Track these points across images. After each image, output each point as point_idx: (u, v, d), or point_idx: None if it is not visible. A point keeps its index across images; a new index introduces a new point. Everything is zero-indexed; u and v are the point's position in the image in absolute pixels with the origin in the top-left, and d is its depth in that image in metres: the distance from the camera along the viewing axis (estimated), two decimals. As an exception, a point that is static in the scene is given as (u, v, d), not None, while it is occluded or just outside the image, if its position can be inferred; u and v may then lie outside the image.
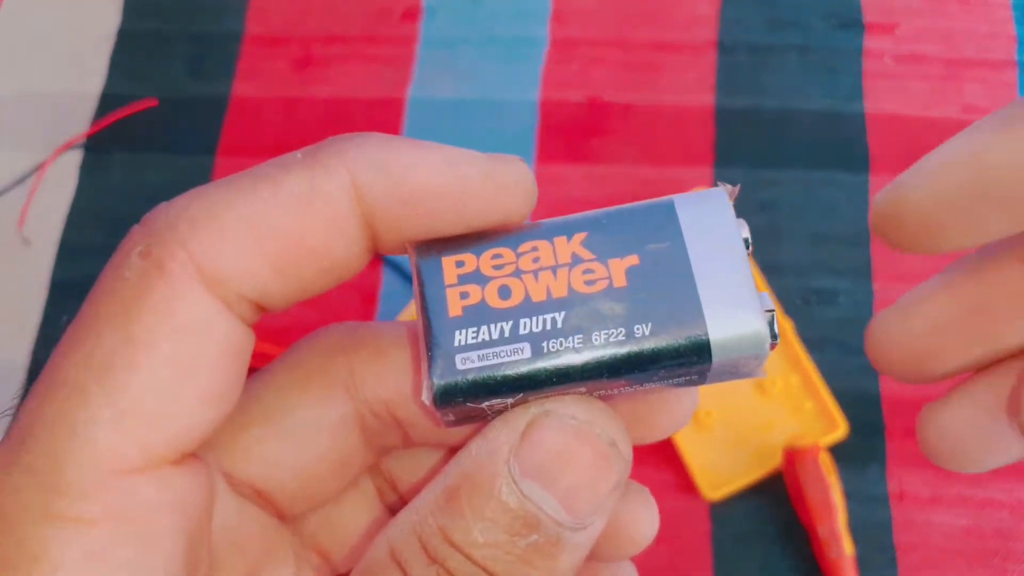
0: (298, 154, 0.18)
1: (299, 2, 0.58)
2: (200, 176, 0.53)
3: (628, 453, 0.19)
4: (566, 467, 0.18)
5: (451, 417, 0.19)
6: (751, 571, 0.44)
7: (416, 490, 0.21)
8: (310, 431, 0.21)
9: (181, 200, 0.18)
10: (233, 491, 0.21)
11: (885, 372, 0.21)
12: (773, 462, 0.44)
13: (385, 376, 0.21)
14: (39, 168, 0.54)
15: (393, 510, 0.23)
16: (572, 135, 0.53)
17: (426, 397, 0.18)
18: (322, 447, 0.21)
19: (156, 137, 0.55)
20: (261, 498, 0.21)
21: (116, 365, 0.17)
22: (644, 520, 0.21)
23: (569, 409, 0.18)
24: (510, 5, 0.57)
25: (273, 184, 0.18)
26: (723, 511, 0.44)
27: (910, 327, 0.21)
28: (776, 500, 0.44)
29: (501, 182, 0.19)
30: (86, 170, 0.54)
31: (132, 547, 0.17)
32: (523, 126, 0.54)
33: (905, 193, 0.19)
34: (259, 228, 0.18)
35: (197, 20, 0.58)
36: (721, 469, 0.44)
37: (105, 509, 0.17)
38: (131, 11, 0.58)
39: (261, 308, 0.19)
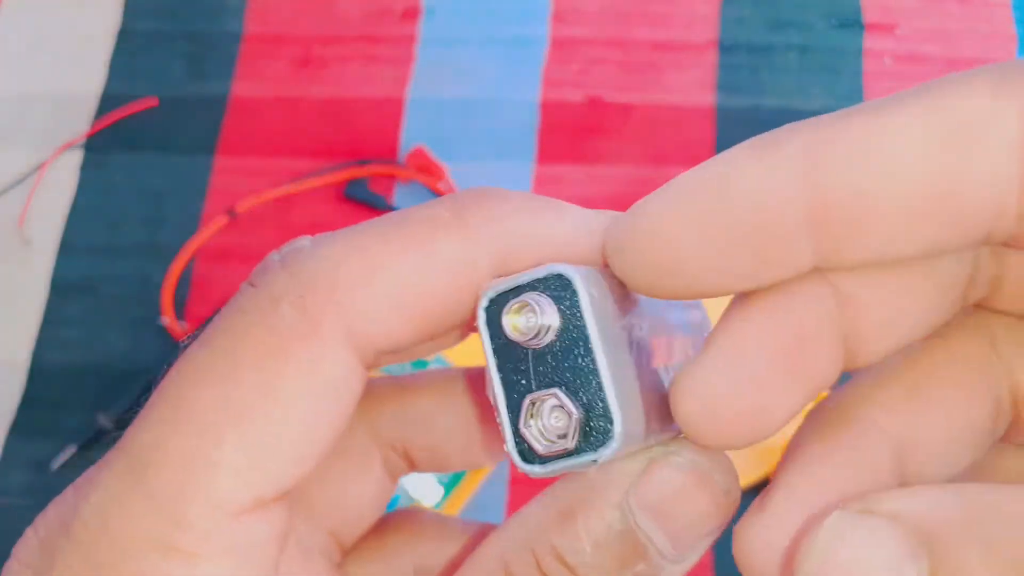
0: (444, 212, 0.19)
1: (299, 2, 0.58)
2: (200, 176, 0.53)
3: (738, 501, 0.20)
4: (682, 508, 0.19)
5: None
6: (751, 571, 0.44)
7: (430, 449, 0.22)
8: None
9: (336, 250, 0.18)
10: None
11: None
12: (773, 462, 0.44)
13: (406, 422, 0.22)
14: (39, 168, 0.54)
15: (395, 472, 0.24)
16: (572, 135, 0.53)
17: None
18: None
19: (156, 137, 0.55)
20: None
21: (254, 414, 0.17)
22: None
23: (694, 454, 0.19)
24: (510, 5, 0.57)
25: (426, 249, 0.18)
26: (723, 511, 0.44)
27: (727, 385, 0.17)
28: (776, 500, 0.44)
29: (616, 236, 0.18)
30: (86, 170, 0.54)
31: None
32: (523, 126, 0.54)
33: (644, 220, 0.17)
34: (411, 295, 0.18)
35: (197, 20, 0.58)
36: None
37: (222, 547, 0.17)
38: (131, 11, 0.58)
39: (386, 356, 0.19)
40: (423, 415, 0.23)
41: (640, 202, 0.17)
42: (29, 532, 0.19)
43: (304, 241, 0.19)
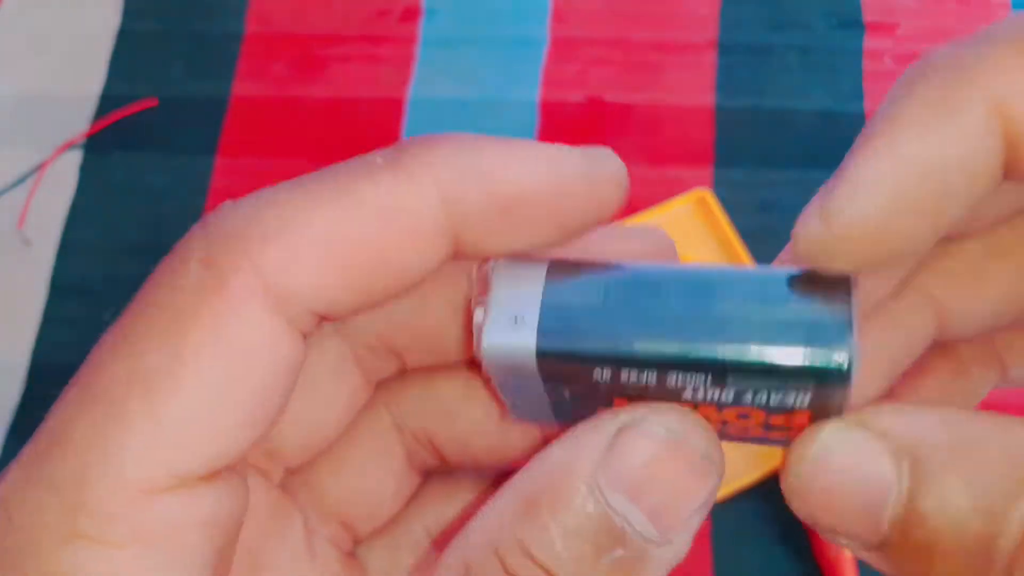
0: (378, 158, 0.17)
1: (299, 2, 0.58)
2: (200, 176, 0.53)
3: (722, 468, 0.18)
4: (656, 481, 0.17)
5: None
6: (751, 571, 0.44)
7: (456, 441, 0.21)
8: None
9: (251, 203, 0.17)
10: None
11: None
12: (773, 462, 0.44)
13: (428, 409, 0.21)
14: (39, 168, 0.54)
15: (418, 465, 0.22)
16: (572, 135, 0.53)
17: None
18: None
19: (156, 137, 0.55)
20: (270, 458, 0.20)
21: (159, 381, 0.16)
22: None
23: (661, 419, 0.17)
24: (510, 5, 0.57)
25: (354, 196, 0.17)
26: (723, 511, 0.44)
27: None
28: (776, 500, 0.44)
29: (599, 179, 0.18)
30: (86, 170, 0.54)
31: (161, 569, 0.16)
32: (523, 126, 0.54)
33: (849, 211, 0.17)
34: (336, 244, 0.17)
35: (197, 20, 0.58)
36: (721, 469, 0.44)
37: (132, 531, 0.16)
38: (131, 11, 0.58)
39: (323, 318, 0.18)
40: (448, 404, 0.21)
41: (834, 197, 0.17)
42: None
43: (228, 202, 0.17)
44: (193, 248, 0.17)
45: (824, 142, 0.51)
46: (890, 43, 0.54)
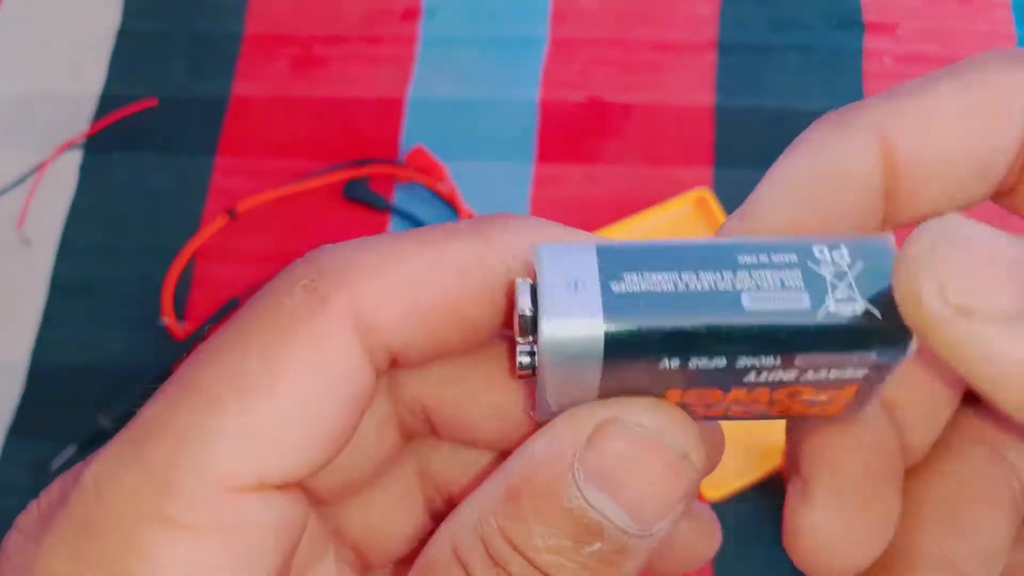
0: (462, 224, 0.19)
1: (299, 2, 0.58)
2: (200, 176, 0.53)
3: (700, 463, 0.18)
4: (632, 476, 0.17)
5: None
6: (751, 571, 0.44)
7: (468, 492, 0.21)
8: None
9: (351, 245, 0.19)
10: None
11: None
12: (773, 462, 0.44)
13: (426, 381, 0.21)
14: (39, 168, 0.54)
15: (436, 514, 0.23)
16: (572, 135, 0.53)
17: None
18: (368, 442, 0.21)
19: (156, 137, 0.55)
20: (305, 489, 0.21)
21: (256, 385, 0.17)
22: (707, 537, 0.22)
23: (637, 416, 0.18)
24: (510, 5, 0.57)
25: (440, 249, 0.18)
26: (723, 511, 0.44)
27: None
28: (776, 500, 0.44)
29: None
30: (86, 170, 0.54)
31: (234, 560, 0.17)
32: (523, 126, 0.54)
33: (760, 216, 0.19)
34: (421, 288, 0.18)
35: (197, 20, 0.58)
36: (721, 469, 0.44)
37: (213, 520, 0.17)
38: (131, 11, 0.58)
39: (395, 363, 0.19)
40: (474, 466, 0.22)
41: (750, 201, 0.20)
42: (32, 503, 0.19)
43: (327, 245, 0.19)
44: (297, 275, 0.18)
45: (824, 142, 0.51)
46: (890, 43, 0.54)
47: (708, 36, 0.55)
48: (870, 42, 0.54)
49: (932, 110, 0.19)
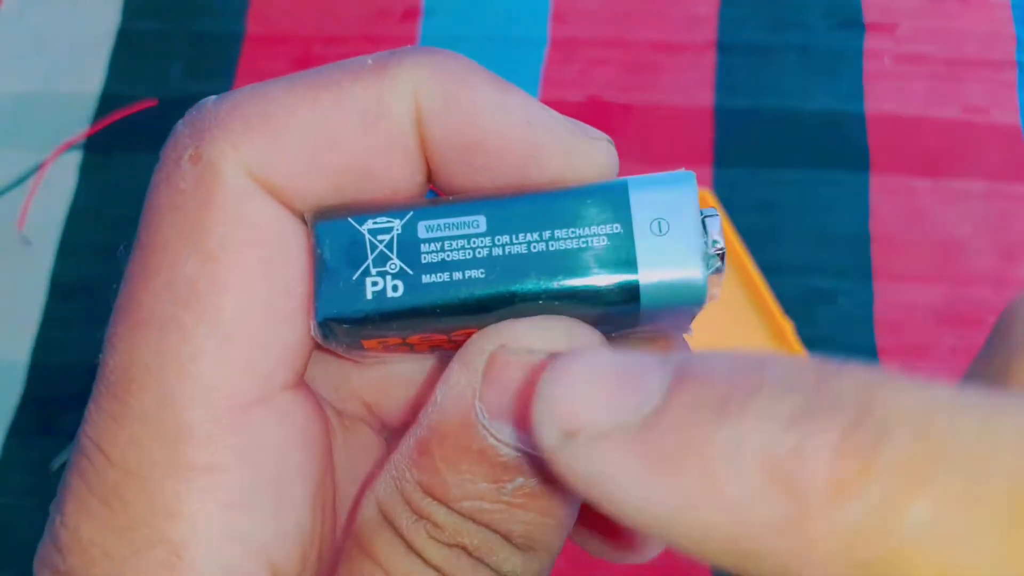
0: (368, 60, 0.17)
1: (299, 2, 0.58)
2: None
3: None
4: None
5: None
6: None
7: None
8: None
9: (233, 95, 0.17)
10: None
11: None
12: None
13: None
14: (39, 168, 0.54)
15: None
16: (572, 135, 0.53)
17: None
18: None
19: (156, 137, 0.54)
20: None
21: (203, 289, 0.15)
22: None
23: (525, 341, 0.16)
24: (510, 5, 0.57)
25: (337, 93, 0.16)
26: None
27: None
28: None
29: (580, 164, 0.18)
30: (86, 170, 0.54)
31: (268, 495, 0.16)
32: (523, 126, 0.54)
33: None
34: (319, 140, 0.16)
35: (197, 20, 0.58)
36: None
37: (234, 453, 0.15)
38: (131, 11, 0.58)
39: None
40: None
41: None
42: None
43: (209, 98, 0.17)
44: (179, 146, 0.17)
45: (824, 142, 0.51)
46: (890, 43, 0.54)
47: (708, 36, 0.55)
48: (870, 42, 0.54)
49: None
